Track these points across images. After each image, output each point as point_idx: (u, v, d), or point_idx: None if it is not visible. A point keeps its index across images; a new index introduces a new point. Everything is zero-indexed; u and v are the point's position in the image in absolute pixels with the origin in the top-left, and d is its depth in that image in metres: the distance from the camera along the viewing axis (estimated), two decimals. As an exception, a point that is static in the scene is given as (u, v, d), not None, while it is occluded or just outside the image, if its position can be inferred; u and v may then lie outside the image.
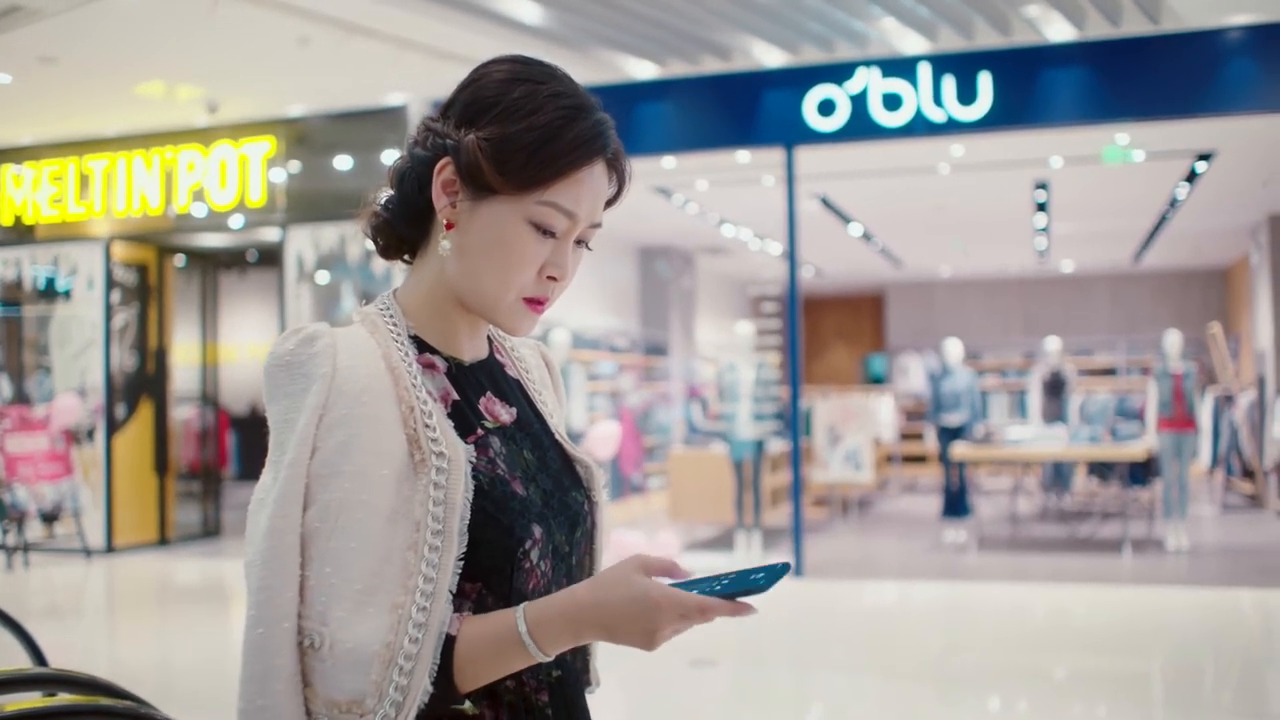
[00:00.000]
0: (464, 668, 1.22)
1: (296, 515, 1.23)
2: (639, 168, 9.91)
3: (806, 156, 9.24)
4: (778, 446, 10.76)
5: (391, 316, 1.37)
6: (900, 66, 8.74)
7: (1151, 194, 12.32)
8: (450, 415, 1.32)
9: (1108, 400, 13.21)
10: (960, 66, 8.62)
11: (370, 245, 1.46)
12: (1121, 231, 14.95)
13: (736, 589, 1.22)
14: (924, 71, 8.68)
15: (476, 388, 1.39)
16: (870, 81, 8.78)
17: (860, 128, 8.82)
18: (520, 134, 1.28)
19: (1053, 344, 12.92)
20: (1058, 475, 12.48)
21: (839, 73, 8.86)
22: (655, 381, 14.06)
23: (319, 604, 1.21)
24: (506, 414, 1.40)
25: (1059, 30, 8.36)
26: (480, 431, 1.34)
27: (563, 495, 1.39)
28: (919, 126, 8.69)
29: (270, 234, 10.58)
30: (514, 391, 1.45)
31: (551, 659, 1.24)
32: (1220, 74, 8.20)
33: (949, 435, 11.86)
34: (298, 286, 10.35)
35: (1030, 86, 8.56)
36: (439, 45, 8.55)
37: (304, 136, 10.21)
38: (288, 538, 1.23)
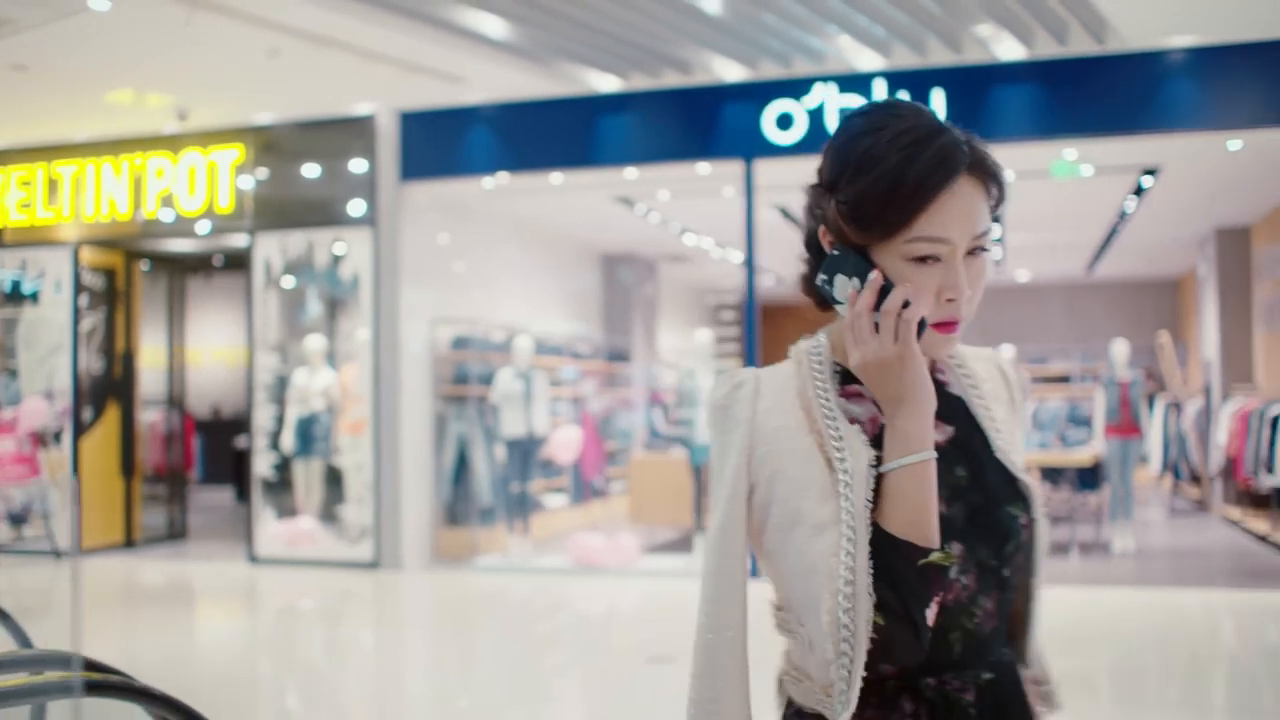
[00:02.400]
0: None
1: (736, 541, 1.46)
2: (600, 178, 10.16)
3: (765, 168, 9.47)
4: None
5: (819, 353, 1.50)
6: (856, 82, 8.99)
7: (1101, 207, 12.64)
8: (874, 439, 1.42)
9: (1059, 407, 13.53)
10: (914, 83, 8.88)
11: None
12: (1074, 243, 15.29)
13: None
14: (879, 87, 8.93)
15: None
16: (827, 97, 9.04)
17: (817, 142, 9.04)
18: (869, 188, 1.38)
19: (1007, 353, 13.22)
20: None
21: (796, 88, 9.10)
22: (617, 387, 14.26)
23: (788, 606, 1.47)
24: (940, 434, 1.47)
25: (1009, 49, 8.63)
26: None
27: (994, 511, 1.46)
28: (874, 141, 8.93)
29: (238, 240, 10.72)
30: (955, 409, 1.52)
31: (929, 450, 1.37)
32: (1163, 93, 8.49)
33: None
34: (265, 292, 10.50)
35: (981, 103, 8.83)
36: (407, 57, 8.74)
37: (273, 144, 10.36)
38: (731, 561, 1.48)
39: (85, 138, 10.75)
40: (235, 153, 10.35)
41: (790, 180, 10.29)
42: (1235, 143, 9.07)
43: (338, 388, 10.43)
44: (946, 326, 1.41)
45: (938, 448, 1.43)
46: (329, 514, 10.47)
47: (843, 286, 1.42)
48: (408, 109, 9.99)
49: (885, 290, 1.38)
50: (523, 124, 9.77)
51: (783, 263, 16.50)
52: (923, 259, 1.39)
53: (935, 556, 1.36)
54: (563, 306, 14.17)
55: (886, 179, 1.37)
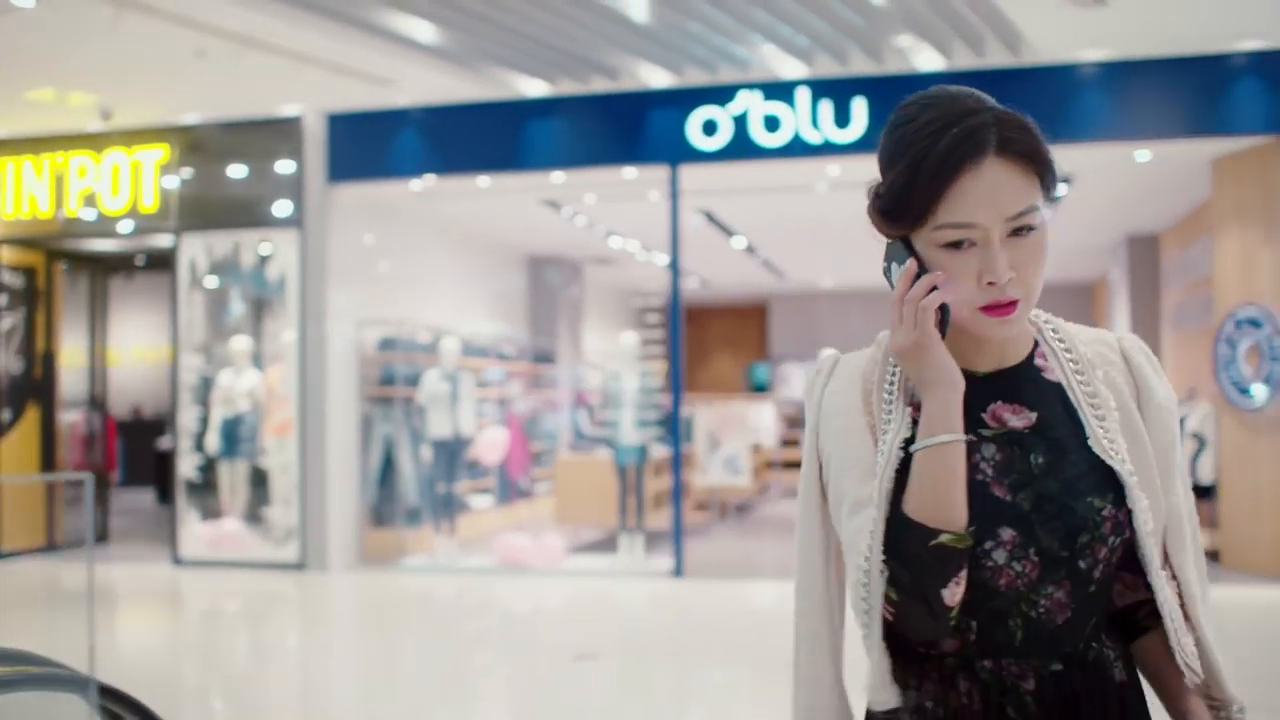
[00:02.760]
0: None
1: (813, 518, 1.53)
2: (528, 182, 10.24)
3: (690, 173, 9.62)
4: (660, 452, 11.13)
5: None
6: (779, 90, 9.17)
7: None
8: None
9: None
10: (836, 91, 9.08)
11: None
12: (992, 248, 15.62)
13: None
14: (802, 96, 9.12)
15: (986, 397, 1.49)
16: (751, 104, 9.20)
17: (741, 148, 9.23)
18: (894, 180, 1.42)
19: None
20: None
21: (722, 95, 9.26)
22: (542, 389, 14.33)
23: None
24: (1019, 420, 1.48)
25: (928, 60, 8.85)
26: (971, 438, 1.44)
27: (1068, 501, 1.44)
28: (797, 148, 9.13)
29: (163, 240, 10.66)
30: (1046, 395, 1.51)
31: (958, 434, 1.39)
32: (1075, 105, 8.76)
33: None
34: (190, 293, 10.45)
35: (901, 112, 9.04)
36: (336, 60, 8.76)
37: (198, 144, 10.32)
38: (810, 535, 1.55)
39: (4, 134, 10.63)
40: (160, 152, 10.30)
41: (715, 185, 10.49)
42: (1144, 154, 9.37)
43: (263, 389, 10.41)
44: (997, 310, 1.41)
45: (1017, 434, 1.46)
46: (254, 515, 10.45)
47: (896, 274, 1.46)
48: (335, 111, 10.00)
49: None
50: (451, 127, 9.83)
51: (706, 265, 16.71)
52: (956, 245, 1.40)
53: (945, 538, 1.37)
54: (488, 308, 14.22)
55: (909, 169, 1.39)
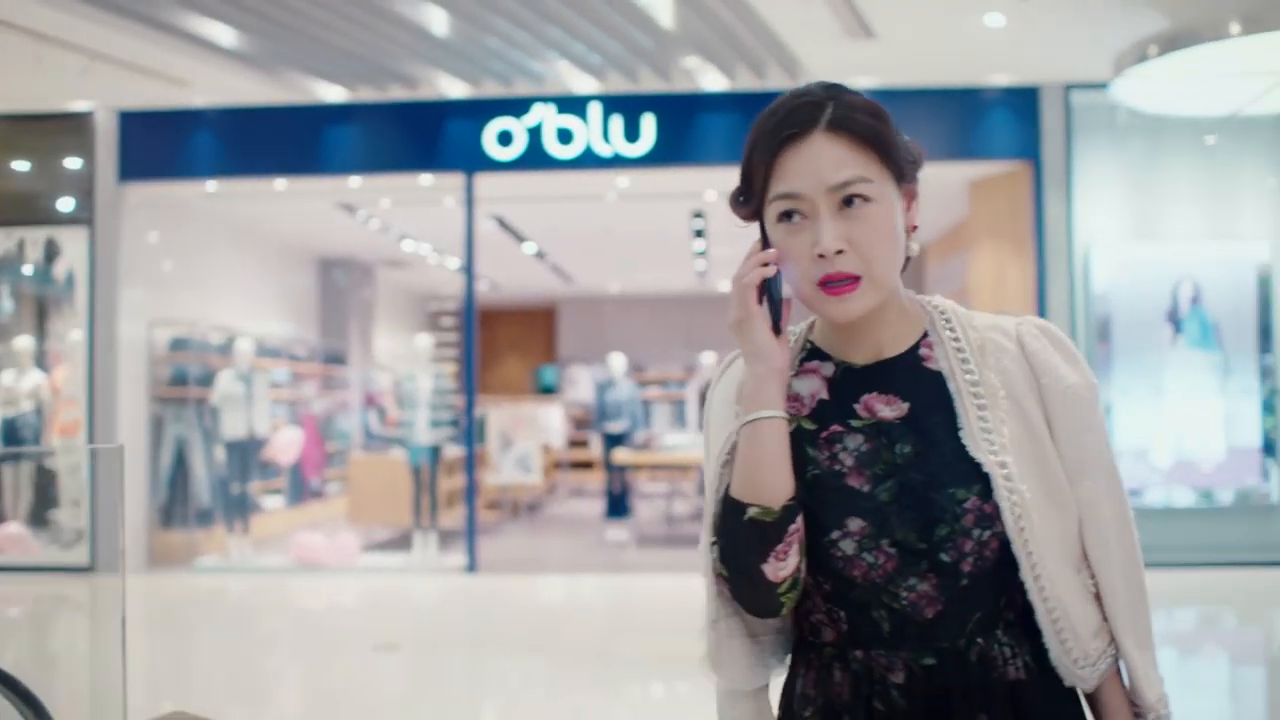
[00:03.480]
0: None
1: (712, 499, 1.51)
2: (324, 186, 10.35)
3: (486, 181, 9.91)
4: (453, 452, 11.39)
5: (797, 330, 1.59)
6: (573, 104, 9.55)
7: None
8: (812, 414, 1.51)
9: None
10: (626, 107, 9.51)
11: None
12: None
13: None
14: (594, 110, 9.52)
15: (859, 388, 1.51)
16: (545, 116, 9.56)
17: (535, 159, 9.57)
18: (741, 165, 1.49)
19: (709, 359, 14.11)
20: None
21: (517, 107, 9.59)
22: (334, 390, 14.38)
23: None
24: (890, 410, 1.49)
25: (713, 80, 9.37)
26: (837, 428, 1.49)
27: (929, 492, 1.43)
28: (589, 159, 9.52)
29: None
30: (924, 385, 1.50)
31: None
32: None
33: (612, 441, 12.81)
34: (-31, 290, 10.19)
35: (687, 128, 9.55)
36: (131, 59, 8.73)
37: (-18, 139, 10.07)
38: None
39: None
40: (-62, 145, 10.01)
41: (509, 193, 10.81)
42: (909, 174, 10.11)
43: (47, 389, 10.23)
44: (836, 288, 1.42)
45: (886, 424, 1.48)
46: (40, 518, 10.25)
47: None
48: (128, 109, 9.92)
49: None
50: (247, 129, 9.87)
51: (498, 269, 16.99)
52: (789, 217, 1.43)
53: (753, 512, 1.39)
54: (279, 309, 14.18)
55: (747, 150, 1.46)
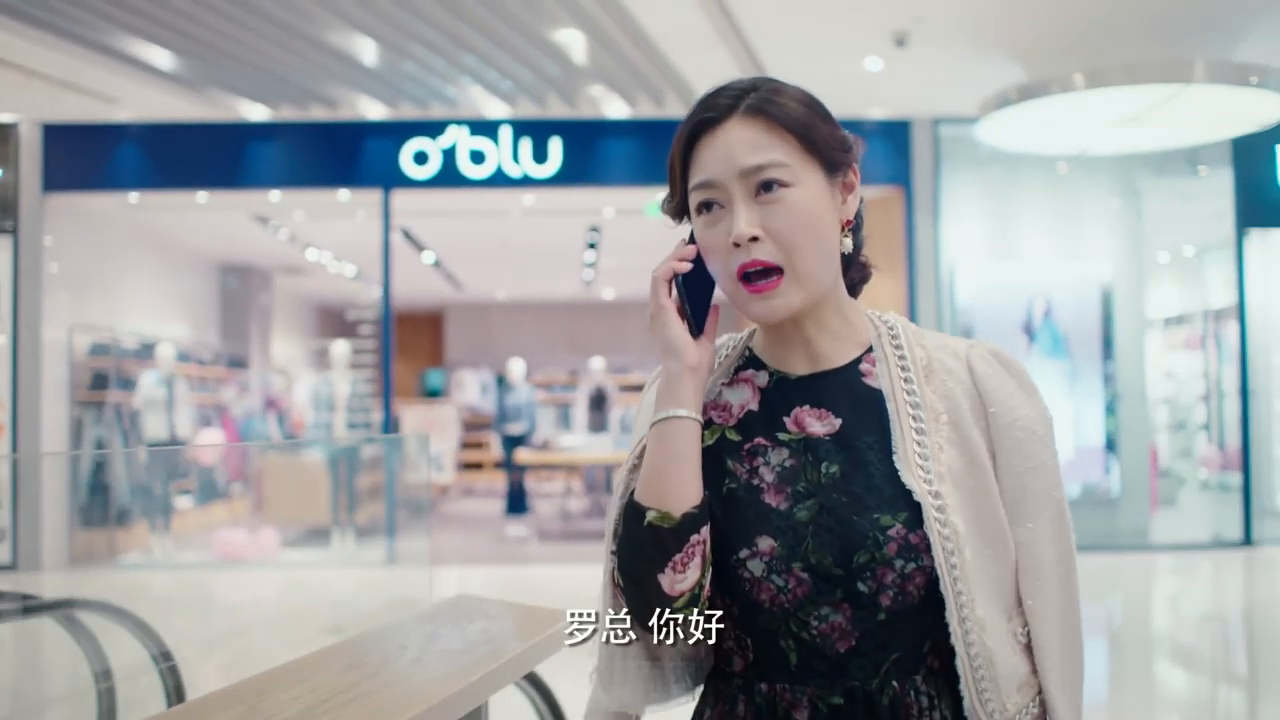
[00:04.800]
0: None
1: (615, 504, 1.45)
2: (244, 199, 10.83)
3: (402, 198, 10.50)
4: (370, 451, 11.93)
5: (735, 339, 1.55)
6: (485, 127, 10.22)
7: (678, 238, 14.48)
8: (738, 425, 1.44)
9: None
10: (535, 131, 10.21)
11: None
12: (654, 267, 17.16)
13: None
14: (505, 133, 10.20)
15: (792, 400, 1.43)
16: (459, 138, 10.20)
17: (449, 177, 10.20)
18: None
19: (597, 363, 14.85)
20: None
21: (432, 129, 10.22)
22: (242, 393, 14.74)
23: None
24: (821, 426, 1.41)
25: (616, 108, 10.12)
26: (761, 441, 1.42)
27: (853, 515, 1.35)
28: (499, 179, 10.19)
29: None
30: (862, 402, 1.43)
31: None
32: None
33: (512, 443, 13.47)
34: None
35: (592, 151, 10.30)
36: (61, 75, 9.12)
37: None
38: None
39: None
40: None
41: (421, 208, 11.43)
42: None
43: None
44: (756, 285, 1.37)
45: (815, 441, 1.41)
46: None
47: None
48: (52, 121, 10.27)
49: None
50: (171, 144, 10.31)
51: (393, 276, 17.46)
52: (707, 209, 1.39)
53: (651, 516, 1.33)
54: (184, 314, 14.52)
55: (672, 147, 1.43)
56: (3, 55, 8.61)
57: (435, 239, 14.30)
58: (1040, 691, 1.38)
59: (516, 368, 13.80)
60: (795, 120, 1.38)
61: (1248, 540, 10.23)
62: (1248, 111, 8.49)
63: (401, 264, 15.69)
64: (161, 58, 8.77)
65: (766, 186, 1.35)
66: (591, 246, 14.59)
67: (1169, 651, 7.25)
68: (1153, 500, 11.01)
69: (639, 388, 20.83)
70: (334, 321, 18.79)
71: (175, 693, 3.12)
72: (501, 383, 17.32)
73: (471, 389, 21.35)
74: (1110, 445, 10.35)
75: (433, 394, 22.37)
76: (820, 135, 1.39)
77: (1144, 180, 10.62)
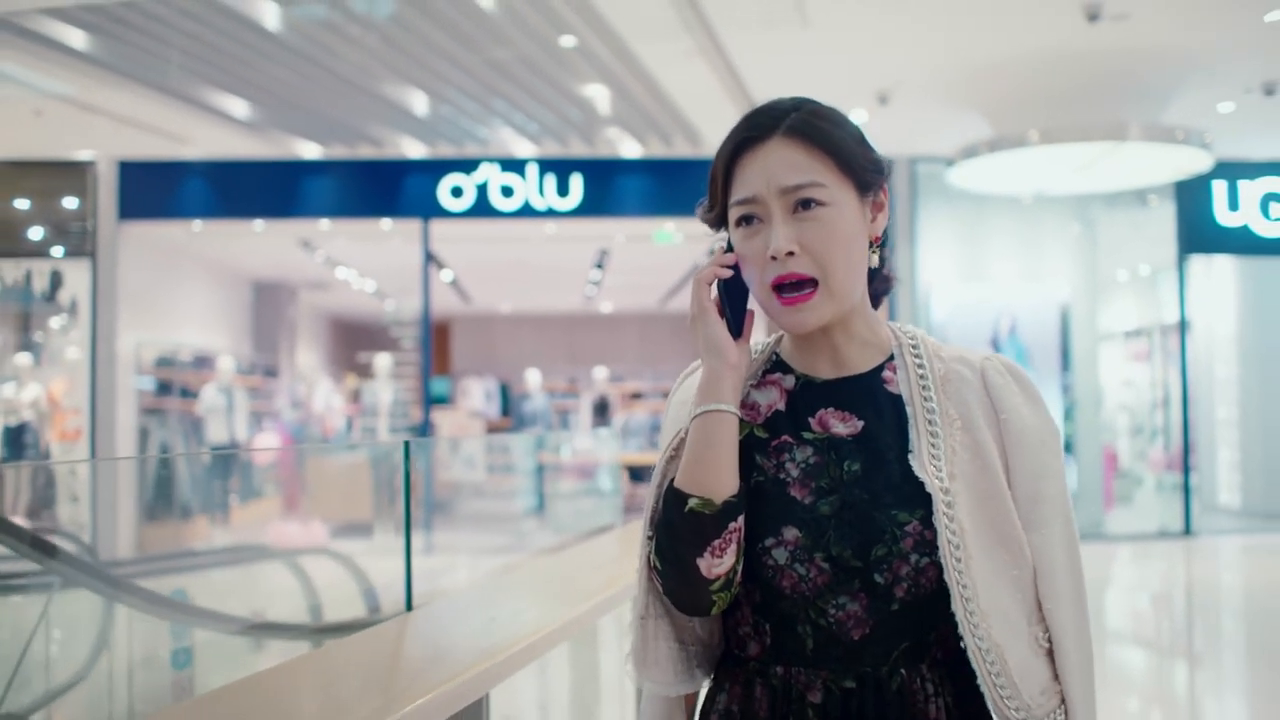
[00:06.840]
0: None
1: (654, 493, 1.49)
2: (297, 228, 12.02)
3: (439, 227, 11.69)
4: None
5: (765, 342, 1.59)
6: (513, 165, 11.43)
7: (681, 261, 15.69)
8: (765, 423, 1.50)
9: (644, 418, 16.49)
10: (558, 168, 11.43)
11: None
12: (654, 284, 18.36)
13: None
14: (532, 170, 11.42)
15: (817, 402, 1.50)
16: (490, 174, 11.41)
17: (482, 209, 11.42)
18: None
19: (600, 373, 16.01)
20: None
21: (467, 165, 11.43)
22: (271, 399, 15.87)
23: None
24: (844, 427, 1.47)
25: (630, 148, 11.37)
26: (787, 438, 1.48)
27: (873, 511, 1.41)
28: (527, 211, 11.40)
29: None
30: (883, 405, 1.49)
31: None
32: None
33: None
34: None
35: (609, 186, 11.52)
36: (147, 121, 10.27)
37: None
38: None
39: None
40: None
41: (456, 236, 12.67)
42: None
43: (45, 400, 11.70)
44: (790, 297, 1.41)
45: (838, 440, 1.46)
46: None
47: None
48: (126, 158, 11.42)
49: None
50: (234, 179, 11.50)
51: (407, 291, 18.50)
52: (746, 222, 1.43)
53: (693, 503, 1.38)
54: (224, 327, 15.64)
55: (715, 161, 1.47)
56: (94, 103, 9.77)
57: (456, 259, 15.43)
58: (1064, 701, 1.43)
59: (533, 378, 14.95)
60: (833, 142, 1.43)
61: (1188, 531, 11.58)
62: (1179, 163, 9.86)
63: (416, 279, 16.86)
64: (239, 107, 9.98)
65: (804, 204, 1.40)
66: (598, 266, 15.75)
67: (1112, 627, 8.49)
68: (1108, 497, 12.33)
69: (633, 395, 22.02)
70: (348, 333, 19.91)
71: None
72: (505, 391, 18.54)
73: (476, 396, 22.44)
74: (1068, 448, 11.60)
75: (439, 401, 23.33)
76: (855, 157, 1.44)
77: (1098, 212, 11.97)
